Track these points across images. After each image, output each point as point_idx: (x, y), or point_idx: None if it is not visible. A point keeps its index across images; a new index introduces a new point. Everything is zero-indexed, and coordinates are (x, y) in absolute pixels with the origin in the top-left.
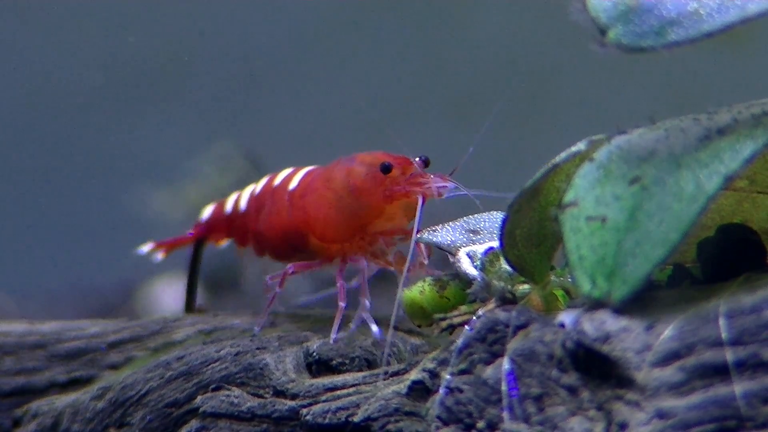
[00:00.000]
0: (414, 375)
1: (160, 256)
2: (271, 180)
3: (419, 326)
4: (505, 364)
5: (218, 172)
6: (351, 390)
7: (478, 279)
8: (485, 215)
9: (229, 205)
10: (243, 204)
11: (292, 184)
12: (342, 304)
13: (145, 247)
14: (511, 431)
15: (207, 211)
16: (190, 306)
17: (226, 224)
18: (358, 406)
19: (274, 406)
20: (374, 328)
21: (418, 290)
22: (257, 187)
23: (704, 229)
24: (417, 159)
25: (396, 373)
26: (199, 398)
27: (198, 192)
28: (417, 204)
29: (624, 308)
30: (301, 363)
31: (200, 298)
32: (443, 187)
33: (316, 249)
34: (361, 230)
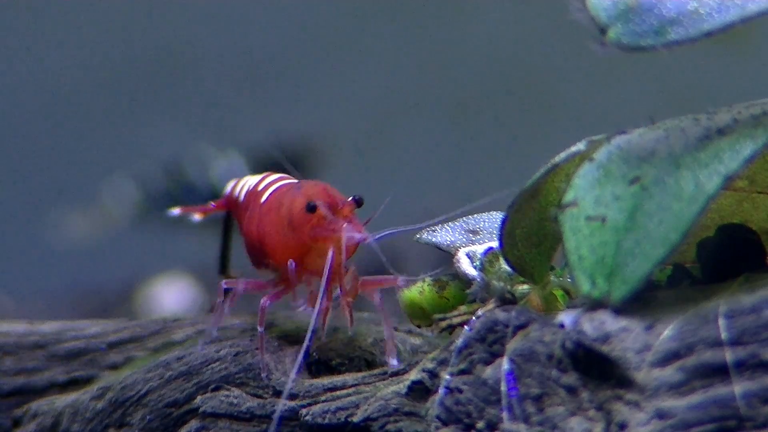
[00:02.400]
0: (413, 375)
1: (197, 216)
2: (260, 181)
3: (419, 326)
4: (505, 364)
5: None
6: (350, 390)
7: (478, 279)
8: (485, 215)
9: (237, 189)
10: (243, 194)
11: (264, 197)
12: (260, 329)
13: (176, 210)
14: (511, 431)
15: (228, 186)
16: (224, 270)
17: (234, 206)
18: (357, 406)
19: (273, 406)
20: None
21: (418, 290)
22: (254, 182)
23: (704, 229)
24: (350, 199)
25: (395, 374)
26: (198, 398)
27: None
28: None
29: (624, 308)
30: (301, 363)
31: (200, 297)
32: (352, 237)
33: (273, 266)
34: (298, 260)
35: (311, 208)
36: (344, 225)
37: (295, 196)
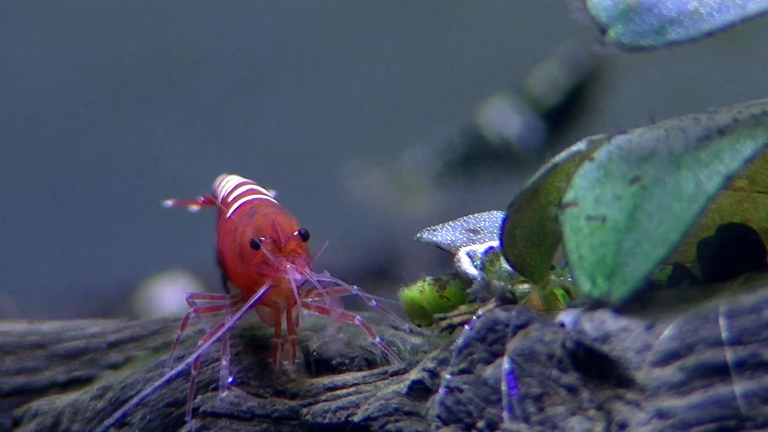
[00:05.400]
0: (414, 375)
1: (195, 207)
2: (233, 190)
3: (419, 326)
4: (505, 363)
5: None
6: (351, 390)
7: (478, 279)
8: (485, 215)
9: (219, 187)
10: (221, 196)
11: (230, 211)
12: (193, 372)
13: (169, 202)
14: (511, 431)
15: (216, 181)
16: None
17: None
18: (357, 405)
19: (273, 405)
20: (223, 394)
21: (418, 290)
22: (229, 187)
23: (704, 229)
24: (296, 233)
25: (396, 373)
26: (198, 398)
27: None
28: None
29: (624, 308)
30: (300, 362)
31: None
32: (298, 279)
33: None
34: (251, 289)
35: (255, 245)
36: (287, 265)
37: (246, 226)
